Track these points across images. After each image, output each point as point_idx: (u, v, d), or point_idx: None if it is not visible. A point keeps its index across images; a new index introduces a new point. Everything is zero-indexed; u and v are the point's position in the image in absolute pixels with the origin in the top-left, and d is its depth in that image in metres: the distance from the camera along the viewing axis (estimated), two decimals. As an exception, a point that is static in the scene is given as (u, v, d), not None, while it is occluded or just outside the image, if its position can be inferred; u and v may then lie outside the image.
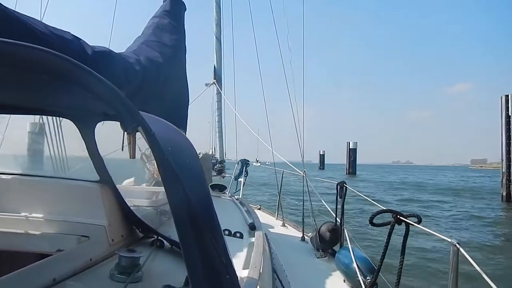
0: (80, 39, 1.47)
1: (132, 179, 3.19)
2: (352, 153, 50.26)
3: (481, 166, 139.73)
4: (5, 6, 1.11)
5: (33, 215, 1.63)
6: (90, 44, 1.52)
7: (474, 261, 1.70)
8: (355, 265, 2.97)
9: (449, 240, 1.85)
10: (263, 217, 5.48)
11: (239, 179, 6.86)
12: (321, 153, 67.50)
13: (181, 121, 2.73)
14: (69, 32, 1.41)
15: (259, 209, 6.33)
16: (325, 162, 68.80)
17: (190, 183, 0.96)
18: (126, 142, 1.10)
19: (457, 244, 1.79)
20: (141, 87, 1.92)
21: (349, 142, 50.70)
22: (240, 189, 6.53)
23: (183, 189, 0.89)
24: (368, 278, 2.81)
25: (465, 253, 1.75)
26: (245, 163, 6.99)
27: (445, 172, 76.88)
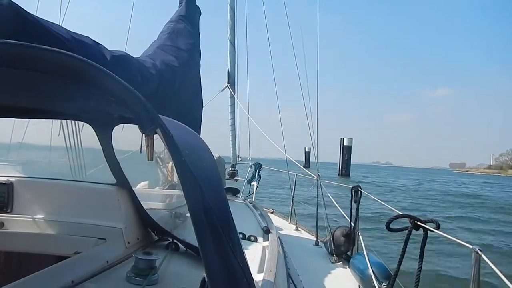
0: (99, 43, 1.50)
1: (146, 182, 3.22)
2: (346, 151, 42.98)
3: (466, 170, 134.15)
4: (28, 13, 1.14)
5: (51, 217, 1.66)
6: (108, 49, 1.54)
7: (497, 268, 1.64)
8: (370, 271, 2.91)
9: (470, 246, 1.79)
10: (276, 221, 5.45)
11: (252, 183, 6.85)
12: (306, 150, 55.15)
13: (195, 125, 2.75)
14: (89, 37, 1.43)
15: (272, 213, 6.30)
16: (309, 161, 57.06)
17: (208, 185, 0.96)
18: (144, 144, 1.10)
19: (478, 251, 1.73)
20: (157, 91, 1.95)
21: (342, 139, 43.80)
22: (253, 193, 6.52)
23: (201, 191, 0.89)
24: (384, 284, 2.75)
25: (487, 260, 1.70)
26: (258, 166, 6.96)
27: (440, 176, 68.74)
